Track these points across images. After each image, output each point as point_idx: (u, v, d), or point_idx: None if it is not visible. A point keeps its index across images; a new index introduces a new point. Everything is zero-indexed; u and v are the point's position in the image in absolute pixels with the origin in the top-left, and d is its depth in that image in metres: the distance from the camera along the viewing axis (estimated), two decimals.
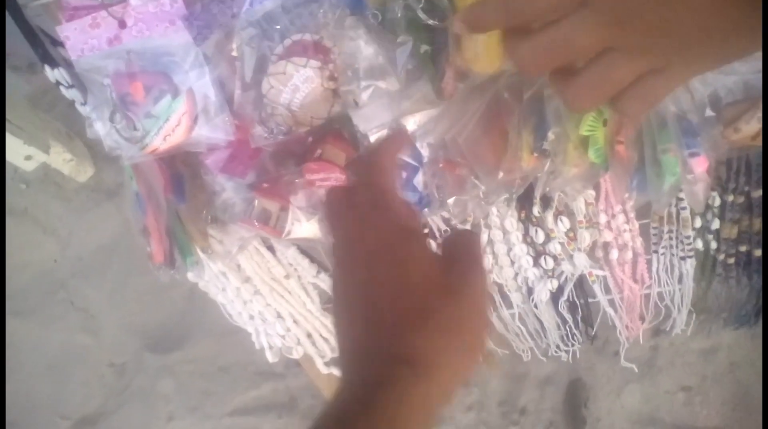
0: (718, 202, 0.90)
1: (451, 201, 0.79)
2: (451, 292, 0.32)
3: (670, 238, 0.97)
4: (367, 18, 0.67)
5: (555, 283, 1.00)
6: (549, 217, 0.91)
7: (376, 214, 0.35)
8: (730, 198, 0.89)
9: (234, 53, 0.69)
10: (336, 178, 0.81)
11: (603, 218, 0.93)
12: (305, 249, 1.01)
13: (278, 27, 0.68)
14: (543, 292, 1.02)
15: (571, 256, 0.95)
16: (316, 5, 0.67)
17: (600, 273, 1.01)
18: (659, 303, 1.07)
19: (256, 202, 0.77)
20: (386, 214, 0.35)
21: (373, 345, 0.31)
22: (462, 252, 0.35)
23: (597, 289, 0.99)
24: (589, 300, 1.06)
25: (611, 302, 1.03)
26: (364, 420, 0.28)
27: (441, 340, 0.30)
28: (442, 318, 0.31)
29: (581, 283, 1.05)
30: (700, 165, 0.69)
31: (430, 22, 0.61)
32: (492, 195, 0.77)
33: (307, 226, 0.86)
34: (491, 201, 0.78)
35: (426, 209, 0.80)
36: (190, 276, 0.97)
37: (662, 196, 0.70)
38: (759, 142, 0.73)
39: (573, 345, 1.15)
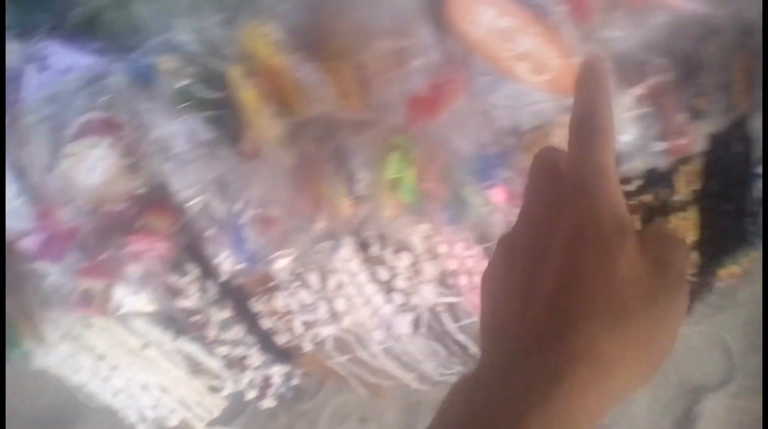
0: None
1: (279, 256, 0.79)
2: (655, 299, 0.29)
3: None
4: (157, 89, 0.67)
5: (410, 316, 1.02)
6: (388, 254, 0.94)
7: (592, 192, 0.30)
8: None
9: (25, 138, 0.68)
10: (161, 246, 0.80)
11: (443, 248, 0.96)
12: (160, 316, 0.99)
13: (66, 108, 0.67)
14: (401, 326, 1.04)
15: (417, 290, 0.97)
16: (103, 82, 0.67)
17: (453, 300, 1.04)
18: None
19: (78, 283, 0.75)
20: (605, 192, 0.30)
21: (553, 337, 0.28)
22: (671, 259, 0.31)
23: (446, 318, 1.01)
24: (458, 324, 1.09)
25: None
26: (538, 425, 0.26)
27: (631, 345, 0.28)
28: (639, 324, 0.28)
29: (451, 310, 1.08)
30: (498, 195, 0.73)
31: (212, 94, 0.62)
32: (316, 244, 0.79)
33: (142, 298, 0.85)
34: (317, 250, 0.79)
35: (255, 268, 0.81)
36: (38, 363, 0.94)
37: (474, 226, 0.74)
38: None
39: (456, 368, 1.18)
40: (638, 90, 0.73)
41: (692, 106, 0.73)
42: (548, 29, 0.62)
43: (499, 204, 0.73)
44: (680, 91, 0.72)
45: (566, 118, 0.75)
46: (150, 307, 0.82)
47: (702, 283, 1.18)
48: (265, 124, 0.64)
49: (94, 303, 0.75)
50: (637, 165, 0.78)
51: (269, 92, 0.63)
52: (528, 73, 0.64)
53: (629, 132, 0.76)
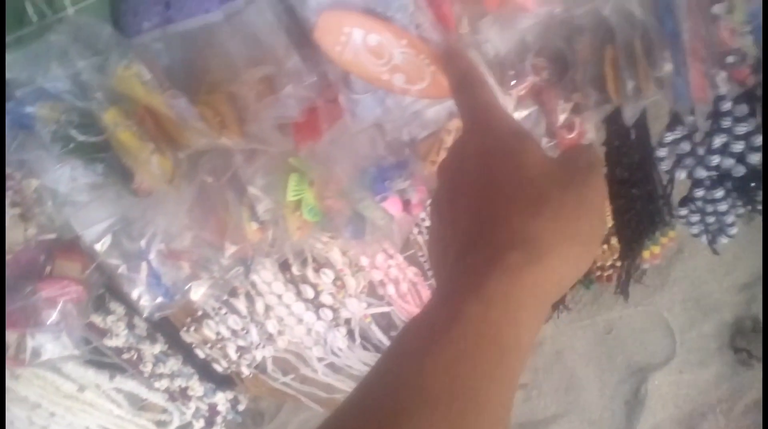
0: None
1: (193, 286, 0.80)
2: (570, 186, 0.30)
3: None
4: (39, 136, 0.67)
5: (344, 330, 1.04)
6: (309, 273, 0.95)
7: (486, 114, 0.34)
8: None
9: None
10: (74, 290, 0.81)
11: (364, 261, 0.97)
12: (90, 358, 0.99)
13: None
14: (337, 340, 1.05)
15: (344, 304, 0.98)
16: None
17: (385, 309, 1.06)
18: None
19: None
20: (496, 113, 0.34)
21: (482, 234, 0.30)
22: (579, 154, 0.33)
23: (375, 329, 1.03)
24: (389, 334, 1.11)
25: None
26: (477, 306, 0.27)
27: (555, 227, 0.29)
28: (558, 206, 0.30)
29: (382, 320, 1.10)
30: (393, 206, 0.74)
31: (92, 137, 0.63)
32: (229, 271, 0.79)
33: (63, 342, 0.85)
34: (230, 276, 0.80)
35: (173, 300, 0.81)
36: None
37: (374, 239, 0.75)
38: None
39: None
40: (519, 91, 0.75)
41: (571, 101, 0.75)
42: (416, 40, 0.64)
43: (396, 215, 0.75)
44: (558, 88, 0.75)
45: (454, 124, 0.77)
46: (74, 351, 0.81)
47: (630, 267, 1.21)
48: (149, 162, 0.65)
49: (9, 354, 0.75)
50: None
51: (149, 130, 0.64)
52: (404, 84, 0.66)
53: None
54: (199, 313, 0.97)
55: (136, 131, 0.63)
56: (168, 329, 0.99)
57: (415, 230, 0.97)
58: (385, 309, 1.06)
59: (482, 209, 0.30)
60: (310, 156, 0.75)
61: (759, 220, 1.21)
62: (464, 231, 0.31)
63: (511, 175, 0.31)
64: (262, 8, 0.62)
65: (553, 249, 0.29)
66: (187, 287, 0.80)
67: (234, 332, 1.00)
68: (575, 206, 0.30)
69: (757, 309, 1.43)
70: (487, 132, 0.33)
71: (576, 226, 0.30)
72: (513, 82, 0.75)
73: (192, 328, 0.98)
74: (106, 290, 0.90)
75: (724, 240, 1.10)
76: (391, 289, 1.03)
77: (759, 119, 0.94)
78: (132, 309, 0.92)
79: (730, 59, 0.74)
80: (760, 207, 1.06)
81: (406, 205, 0.76)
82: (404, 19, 0.64)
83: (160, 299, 0.83)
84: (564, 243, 0.29)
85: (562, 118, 0.76)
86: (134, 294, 0.83)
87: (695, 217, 1.08)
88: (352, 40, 0.64)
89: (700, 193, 1.04)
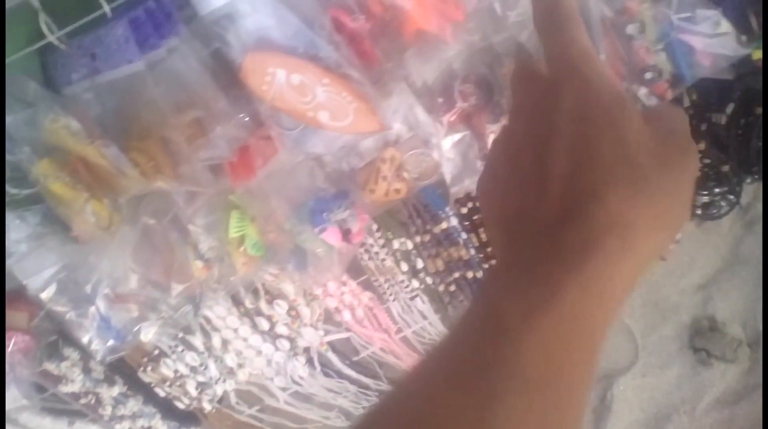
0: (410, 245, 0.99)
1: (144, 329, 0.80)
2: (667, 167, 0.28)
3: (391, 286, 1.04)
4: None
5: (302, 359, 1.04)
6: (263, 305, 0.96)
7: (583, 64, 0.29)
8: (418, 239, 0.98)
9: None
10: (21, 340, 0.81)
11: (317, 289, 0.98)
12: (44, 406, 0.99)
13: None
14: (297, 369, 1.06)
15: (300, 333, 0.99)
16: None
17: (343, 336, 1.07)
18: (422, 340, 1.14)
19: None
20: (594, 65, 0.30)
21: (579, 210, 0.27)
22: (675, 126, 0.30)
23: (332, 356, 1.04)
24: (348, 361, 1.12)
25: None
26: (575, 291, 0.26)
27: (650, 213, 0.27)
28: (656, 190, 0.27)
29: (339, 346, 1.11)
30: (332, 236, 0.76)
31: (21, 191, 0.64)
32: (178, 310, 0.80)
33: (11, 394, 0.84)
34: (180, 316, 0.80)
35: (125, 342, 0.82)
36: None
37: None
38: (393, 197, 0.81)
39: (373, 397, 1.20)
40: (449, 117, 0.78)
41: (500, 124, 0.78)
42: (338, 78, 0.66)
43: (336, 244, 0.76)
44: (486, 112, 0.77)
45: (389, 152, 0.79)
46: (23, 402, 0.81)
47: None
48: (85, 210, 0.66)
49: None
50: (467, 185, 0.82)
51: (83, 179, 0.65)
52: (329, 120, 0.68)
53: (452, 156, 0.80)
54: (156, 352, 0.97)
55: (69, 181, 0.64)
56: (125, 370, 0.99)
57: (366, 256, 0.99)
58: (344, 335, 1.07)
59: (579, 181, 0.28)
60: (249, 192, 0.76)
61: (709, 223, 1.25)
62: (557, 198, 0.28)
63: (610, 148, 0.28)
64: (186, 54, 0.63)
65: (646, 237, 0.27)
66: (136, 329, 0.80)
67: (193, 369, 1.01)
68: (671, 191, 0.28)
69: (713, 308, 1.46)
70: (585, 86, 0.29)
71: (669, 213, 0.28)
72: (444, 109, 0.77)
73: (149, 368, 0.98)
74: (59, 336, 0.90)
75: (671, 246, 1.13)
76: (347, 315, 1.04)
77: None
78: (86, 353, 0.92)
79: (648, 75, 0.77)
80: (699, 211, 1.10)
81: (346, 234, 0.77)
82: (327, 57, 0.66)
83: (111, 342, 0.84)
84: (655, 230, 0.28)
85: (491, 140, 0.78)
86: (85, 339, 0.83)
87: None
88: (277, 79, 0.66)
89: None
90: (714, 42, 0.74)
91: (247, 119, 0.69)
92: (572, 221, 0.27)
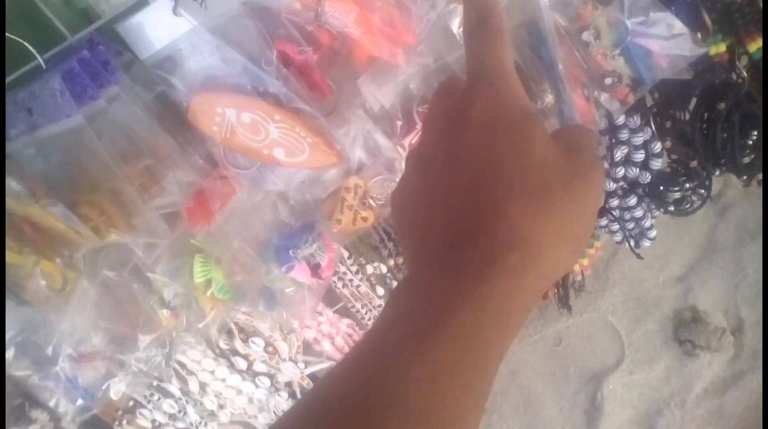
0: (384, 268, 0.97)
1: (113, 385, 0.77)
2: (573, 181, 0.28)
3: (369, 311, 1.02)
4: None
5: (285, 394, 1.02)
6: (238, 344, 0.93)
7: (498, 78, 0.30)
8: (391, 262, 0.96)
9: None
10: None
11: (294, 322, 0.96)
12: None
13: None
14: (280, 404, 1.03)
15: (279, 369, 0.97)
16: None
17: (325, 365, 1.04)
18: None
19: None
20: (509, 80, 0.30)
21: (481, 225, 0.27)
22: (583, 144, 0.30)
23: None
24: None
25: None
26: (469, 313, 0.25)
27: (555, 227, 0.27)
28: (561, 204, 0.27)
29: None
30: (301, 273, 0.73)
31: None
32: (147, 362, 0.77)
33: None
34: (150, 367, 0.77)
35: (94, 401, 0.78)
36: None
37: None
38: (360, 225, 0.79)
39: None
40: (410, 140, 0.76)
41: None
42: (290, 113, 0.64)
43: (306, 281, 0.74)
44: None
45: (352, 181, 0.76)
46: None
47: (565, 281, 1.23)
48: (34, 273, 0.62)
49: None
50: None
51: (30, 241, 0.62)
52: (285, 157, 0.65)
53: None
54: (131, 403, 0.93)
55: (15, 245, 0.61)
56: (100, 425, 0.96)
57: (340, 284, 0.96)
58: (325, 365, 1.05)
59: (482, 193, 0.28)
60: (211, 235, 0.73)
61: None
62: (460, 211, 0.28)
63: (516, 161, 0.28)
64: (128, 102, 0.60)
65: (549, 251, 0.27)
66: (105, 386, 0.77)
67: (171, 416, 0.97)
68: (576, 205, 0.28)
69: (694, 299, 1.46)
70: (497, 100, 0.29)
71: (573, 227, 0.28)
72: (406, 132, 0.75)
73: (125, 421, 0.94)
74: (24, 399, 0.86)
75: (646, 243, 1.13)
76: (326, 345, 1.02)
77: (653, 127, 0.97)
78: (55, 414, 0.88)
79: (608, 81, 0.76)
80: (672, 208, 1.09)
81: (315, 269, 0.75)
82: (276, 93, 0.63)
83: (80, 402, 0.80)
84: (559, 245, 0.28)
85: None
86: (52, 401, 0.80)
87: (615, 226, 1.10)
88: (227, 119, 0.64)
89: (614, 202, 1.06)
90: (670, 44, 0.73)
91: (200, 162, 0.66)
92: (473, 238, 0.27)
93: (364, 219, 0.80)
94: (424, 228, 0.29)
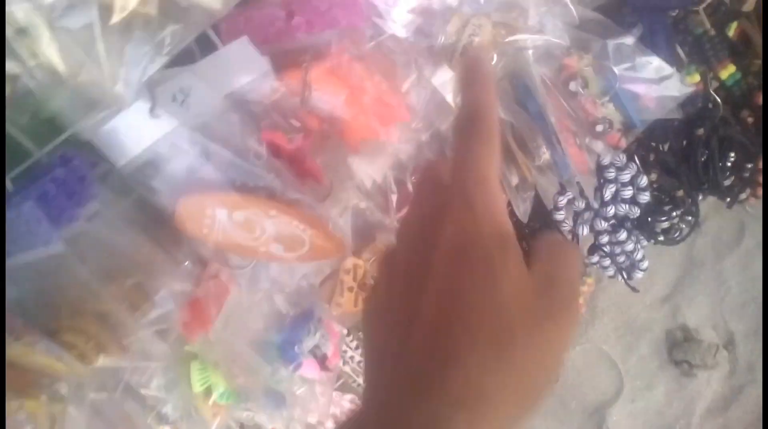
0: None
1: None
2: (542, 321, 0.25)
3: None
4: None
5: None
6: None
7: (473, 201, 0.27)
8: None
9: None
10: None
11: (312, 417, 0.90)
12: None
13: None
14: None
15: None
16: None
17: None
18: None
19: None
20: (487, 203, 0.27)
21: (433, 375, 0.24)
22: (560, 278, 0.27)
23: None
24: None
25: None
26: None
27: (514, 382, 0.25)
28: (525, 353, 0.25)
29: None
30: (310, 369, 0.69)
31: None
32: None
33: None
34: None
35: None
36: None
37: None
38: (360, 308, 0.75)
39: None
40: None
41: None
42: (286, 206, 0.59)
43: (315, 377, 0.69)
44: None
45: (351, 262, 0.72)
46: None
47: None
48: (18, 417, 0.56)
49: None
50: None
51: (10, 383, 0.55)
52: (284, 252, 0.61)
53: None
54: None
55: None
56: None
57: (340, 362, 0.91)
58: None
59: (441, 336, 0.25)
60: (207, 340, 0.67)
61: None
62: (417, 352, 0.26)
63: (482, 299, 0.25)
64: (109, 217, 0.55)
65: (503, 409, 0.25)
66: None
67: None
68: (542, 354, 0.26)
69: (683, 318, 1.46)
70: (472, 223, 0.27)
71: (534, 380, 0.26)
72: (399, 205, 0.71)
73: None
74: None
75: (638, 274, 1.11)
76: (330, 425, 0.96)
77: (637, 162, 0.96)
78: None
79: (600, 128, 0.75)
80: (661, 237, 1.08)
81: (323, 361, 0.70)
82: (269, 186, 0.59)
83: None
84: (515, 403, 0.25)
85: None
86: None
87: (606, 262, 1.09)
88: (218, 221, 0.59)
89: (604, 239, 1.04)
90: (659, 86, 0.72)
91: (191, 268, 0.61)
92: (424, 391, 0.25)
93: None
94: (381, 353, 0.28)
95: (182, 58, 0.55)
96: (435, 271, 0.27)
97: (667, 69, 0.71)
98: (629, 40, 0.68)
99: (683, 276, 1.46)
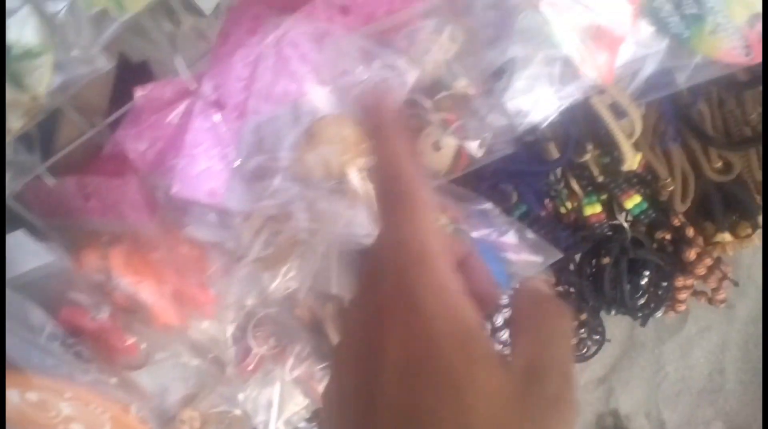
0: None
1: None
2: (523, 424, 0.20)
3: None
4: None
5: None
6: None
7: (410, 302, 0.21)
8: None
9: None
10: None
11: None
12: None
13: None
14: None
15: None
16: None
17: None
18: None
19: None
20: (431, 288, 0.21)
21: None
22: (549, 356, 0.21)
23: None
24: None
25: None
26: None
27: None
28: None
29: None
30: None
31: None
32: None
33: None
34: None
35: None
36: None
37: None
38: None
39: None
40: (248, 368, 0.69)
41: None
42: (83, 389, 0.56)
43: None
44: (286, 353, 0.69)
45: (187, 414, 0.69)
46: None
47: None
48: None
49: None
50: None
51: None
52: None
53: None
54: None
55: None
56: None
57: None
58: None
59: None
60: None
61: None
62: None
63: (447, 423, 0.19)
64: None
65: None
66: None
67: None
68: None
69: (615, 402, 1.42)
70: (417, 322, 0.21)
71: None
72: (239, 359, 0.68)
73: None
74: None
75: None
76: None
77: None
78: None
79: None
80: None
81: None
82: (65, 367, 0.56)
83: None
84: None
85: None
86: None
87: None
88: (10, 401, 0.56)
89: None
90: (525, 249, 0.68)
91: None
92: None
93: None
94: None
95: None
96: (386, 401, 0.20)
97: (530, 234, 0.66)
98: (489, 206, 0.64)
99: (621, 357, 1.42)
